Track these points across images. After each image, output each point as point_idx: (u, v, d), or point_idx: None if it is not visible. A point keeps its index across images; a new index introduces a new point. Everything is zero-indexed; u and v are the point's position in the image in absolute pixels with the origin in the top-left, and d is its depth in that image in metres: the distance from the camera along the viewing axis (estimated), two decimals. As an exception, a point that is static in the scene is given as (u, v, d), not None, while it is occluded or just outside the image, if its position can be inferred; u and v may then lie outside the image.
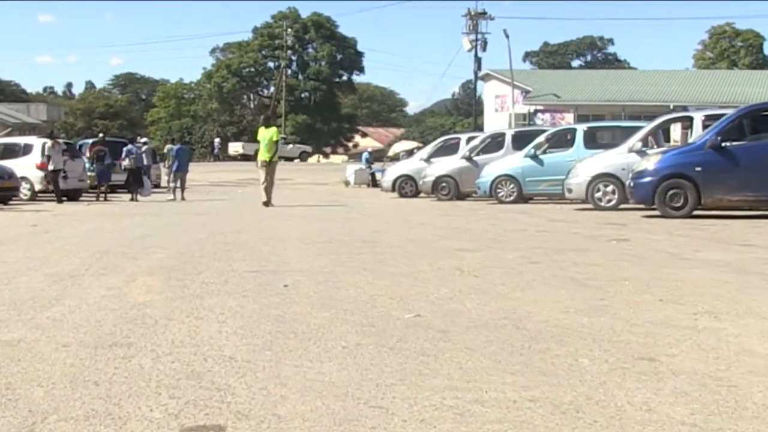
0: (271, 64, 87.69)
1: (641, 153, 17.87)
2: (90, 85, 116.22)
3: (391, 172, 29.32)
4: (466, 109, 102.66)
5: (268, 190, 20.69)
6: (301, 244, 10.84)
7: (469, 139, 27.14)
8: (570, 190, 19.00)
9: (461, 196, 24.80)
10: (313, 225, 14.48)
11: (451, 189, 24.91)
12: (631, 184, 16.04)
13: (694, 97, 48.97)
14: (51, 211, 19.06)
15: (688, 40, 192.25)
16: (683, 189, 15.24)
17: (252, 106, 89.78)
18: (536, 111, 53.01)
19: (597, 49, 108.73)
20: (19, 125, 46.61)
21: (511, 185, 22.08)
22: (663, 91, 51.37)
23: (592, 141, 21.75)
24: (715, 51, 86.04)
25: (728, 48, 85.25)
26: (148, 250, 10.16)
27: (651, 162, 15.89)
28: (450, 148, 27.62)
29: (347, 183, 38.66)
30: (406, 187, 27.79)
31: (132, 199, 25.28)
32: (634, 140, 18.34)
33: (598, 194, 18.28)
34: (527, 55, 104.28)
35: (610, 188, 18.24)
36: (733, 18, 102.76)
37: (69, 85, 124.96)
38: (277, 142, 21.26)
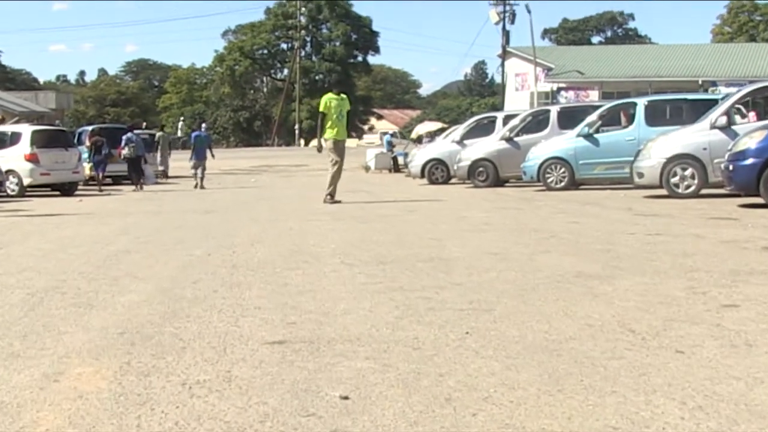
0: (284, 46, 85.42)
1: (727, 130, 14.94)
2: (103, 73, 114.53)
3: (420, 156, 26.55)
4: (478, 90, 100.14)
5: (335, 178, 16.33)
6: (341, 267, 7.63)
7: (507, 118, 24.41)
8: (641, 175, 15.88)
9: (500, 182, 22.11)
10: (348, 228, 11.33)
11: (489, 174, 22.22)
12: (729, 167, 13.02)
13: (719, 71, 47.59)
14: (31, 212, 16.16)
15: (707, 14, 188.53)
16: (795, 172, 12.37)
17: (265, 90, 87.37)
18: (559, 89, 51.60)
19: (617, 24, 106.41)
20: (26, 114, 44.23)
21: (562, 169, 19.32)
22: (689, 65, 49.71)
23: (654, 117, 18.90)
24: (734, 25, 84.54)
25: (747, 22, 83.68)
26: (117, 283, 7.04)
27: (753, 140, 12.80)
28: (484, 128, 25.14)
29: (367, 168, 36.26)
30: (437, 172, 25.17)
31: (136, 190, 24.14)
32: (717, 114, 15.15)
33: (675, 179, 15.32)
34: (546, 32, 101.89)
35: (688, 172, 15.27)
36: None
37: (82, 73, 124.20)
38: (348, 114, 16.77)
